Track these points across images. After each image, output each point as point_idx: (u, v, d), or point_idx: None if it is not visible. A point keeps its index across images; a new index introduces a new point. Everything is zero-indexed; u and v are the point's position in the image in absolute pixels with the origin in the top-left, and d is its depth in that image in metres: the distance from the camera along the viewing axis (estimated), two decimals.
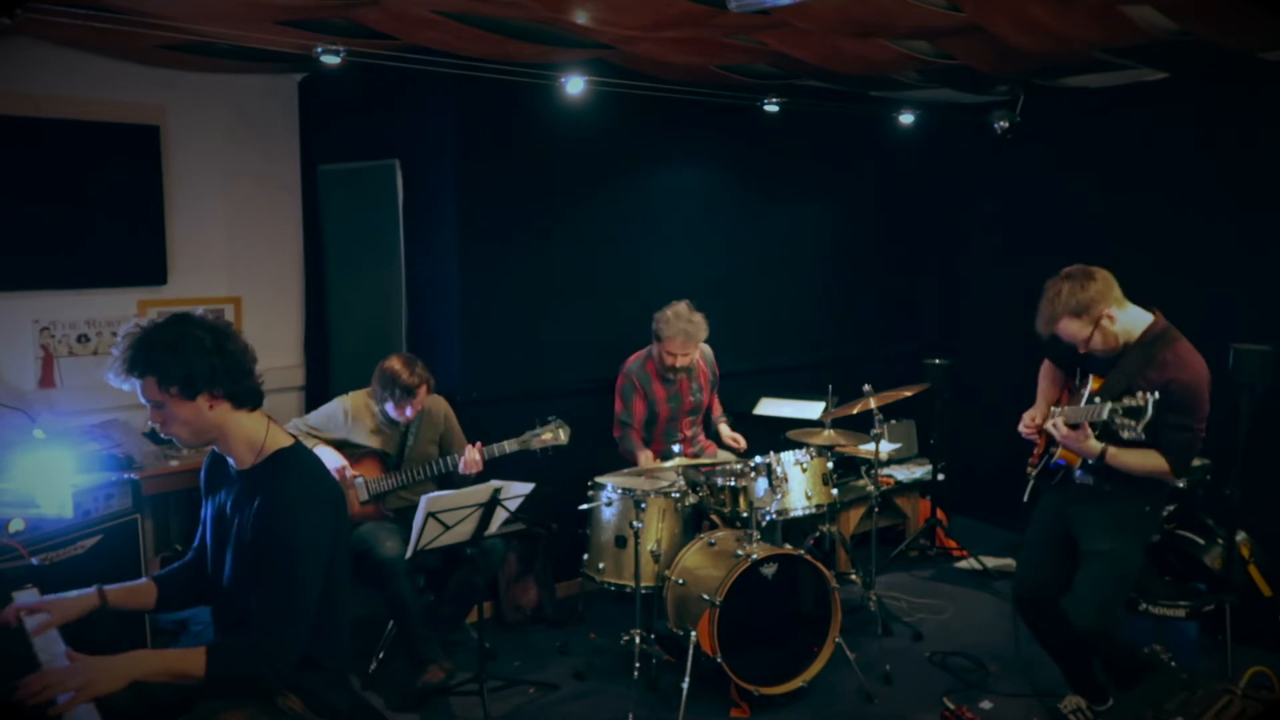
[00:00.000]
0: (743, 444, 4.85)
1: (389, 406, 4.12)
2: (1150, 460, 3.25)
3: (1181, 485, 4.47)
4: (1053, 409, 3.50)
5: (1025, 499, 3.71)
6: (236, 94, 5.02)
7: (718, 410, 5.05)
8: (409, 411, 4.12)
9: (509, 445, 4.15)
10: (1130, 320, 3.33)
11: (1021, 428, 3.62)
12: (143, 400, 2.34)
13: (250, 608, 2.35)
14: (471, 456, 4.13)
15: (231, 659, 2.30)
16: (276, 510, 2.33)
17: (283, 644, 2.32)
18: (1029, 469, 3.66)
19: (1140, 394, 3.11)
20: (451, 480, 4.20)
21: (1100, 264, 3.39)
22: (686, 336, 4.54)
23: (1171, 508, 4.60)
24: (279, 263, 5.28)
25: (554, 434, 4.15)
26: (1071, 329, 3.31)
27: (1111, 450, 3.27)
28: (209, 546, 2.55)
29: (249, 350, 2.43)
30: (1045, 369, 3.73)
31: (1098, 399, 3.30)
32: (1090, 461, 3.33)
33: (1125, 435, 3.16)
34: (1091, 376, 3.43)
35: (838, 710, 3.97)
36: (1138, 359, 3.29)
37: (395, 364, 4.08)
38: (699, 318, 4.57)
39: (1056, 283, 3.33)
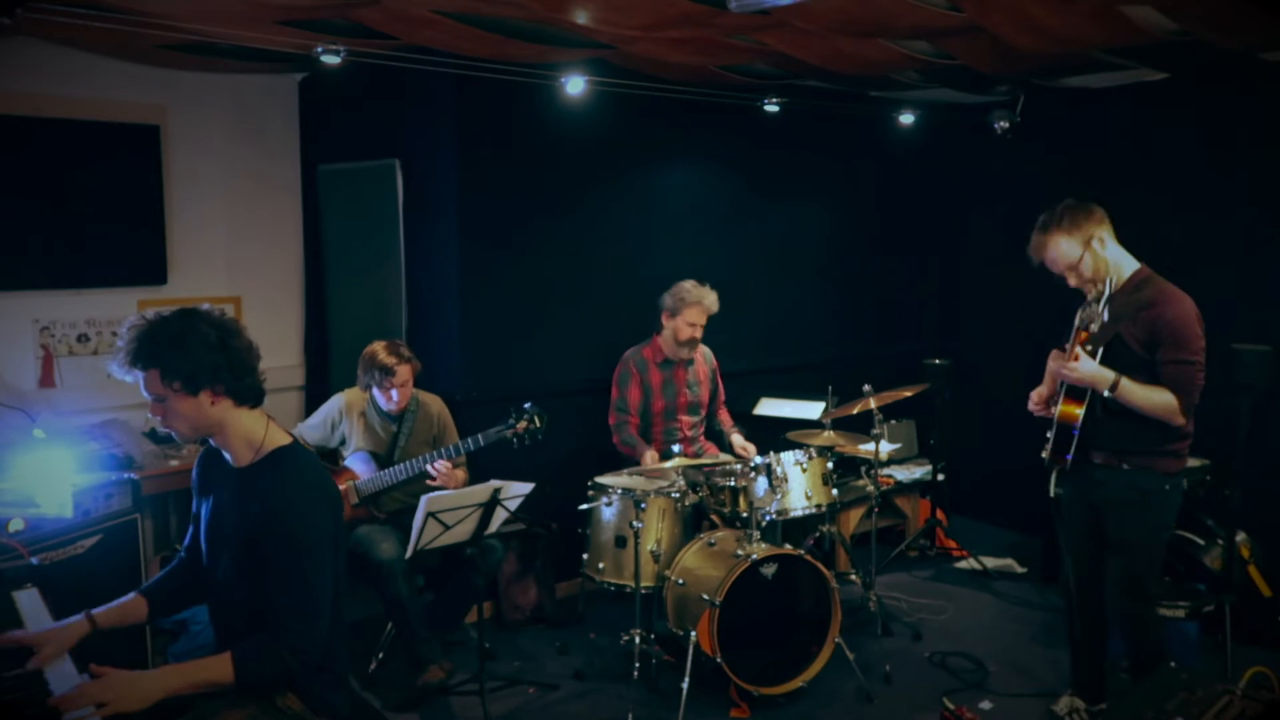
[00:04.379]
0: (752, 453, 4.72)
1: (376, 393, 4.11)
2: (1160, 395, 3.28)
3: (1182, 486, 4.46)
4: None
5: (1051, 494, 3.68)
6: (236, 94, 5.02)
7: (729, 422, 5.00)
8: (394, 394, 4.10)
9: (483, 438, 4.06)
10: (1120, 258, 3.44)
11: (1031, 405, 3.58)
12: (144, 393, 2.34)
13: (248, 603, 2.36)
14: (449, 471, 4.05)
15: (258, 660, 2.30)
16: (278, 509, 2.33)
17: (304, 637, 2.32)
18: (1044, 453, 3.56)
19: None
20: None
21: None
22: (703, 307, 4.69)
23: None
24: (279, 262, 5.28)
25: (528, 423, 4.05)
26: (1062, 248, 3.40)
27: (1124, 381, 3.28)
28: (204, 544, 2.54)
29: (253, 347, 2.43)
30: (1053, 354, 3.73)
31: (1089, 347, 3.35)
32: (1104, 394, 3.30)
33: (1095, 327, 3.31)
34: (1082, 332, 3.45)
35: (837, 710, 3.97)
36: (1125, 303, 3.36)
37: (375, 346, 4.12)
38: (709, 289, 4.75)
39: (1055, 207, 3.45)
